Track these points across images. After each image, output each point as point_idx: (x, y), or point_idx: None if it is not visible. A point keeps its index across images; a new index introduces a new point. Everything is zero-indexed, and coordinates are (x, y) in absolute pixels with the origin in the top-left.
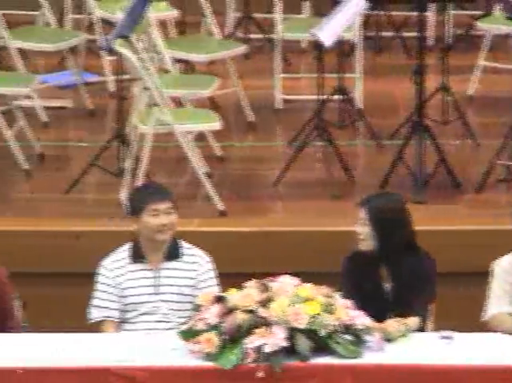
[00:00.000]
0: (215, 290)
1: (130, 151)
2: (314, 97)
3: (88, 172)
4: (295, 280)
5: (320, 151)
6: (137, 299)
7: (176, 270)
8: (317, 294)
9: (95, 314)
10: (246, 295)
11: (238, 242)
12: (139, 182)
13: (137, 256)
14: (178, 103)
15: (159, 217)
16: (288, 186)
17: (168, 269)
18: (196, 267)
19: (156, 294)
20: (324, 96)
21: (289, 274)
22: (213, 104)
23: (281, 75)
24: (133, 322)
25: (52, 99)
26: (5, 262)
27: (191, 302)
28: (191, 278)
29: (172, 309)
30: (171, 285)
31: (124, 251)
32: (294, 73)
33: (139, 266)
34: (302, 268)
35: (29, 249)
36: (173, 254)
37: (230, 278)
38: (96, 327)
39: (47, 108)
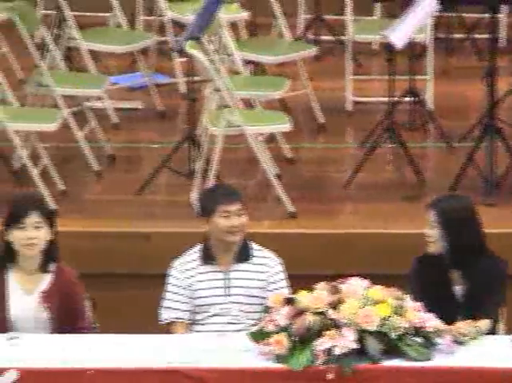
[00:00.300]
0: (285, 292)
1: (200, 152)
2: (385, 99)
3: (158, 173)
4: (365, 282)
5: (390, 152)
6: (208, 301)
7: (246, 271)
8: (387, 296)
9: (166, 315)
10: (316, 297)
11: (307, 243)
12: (210, 183)
13: (208, 258)
14: (248, 104)
15: (230, 219)
16: (358, 188)
17: (238, 271)
18: (266, 269)
19: (227, 295)
20: (395, 98)
21: (359, 276)
22: (283, 105)
23: (352, 77)
24: (203, 324)
25: (123, 100)
26: (76, 262)
27: (261, 304)
28: (261, 280)
29: (242, 311)
30: (242, 287)
31: (195, 253)
32: (365, 75)
33: (209, 267)
34: (372, 270)
35: (99, 250)
36: (243, 255)
37: (300, 279)
38: (166, 328)
39: (118, 110)
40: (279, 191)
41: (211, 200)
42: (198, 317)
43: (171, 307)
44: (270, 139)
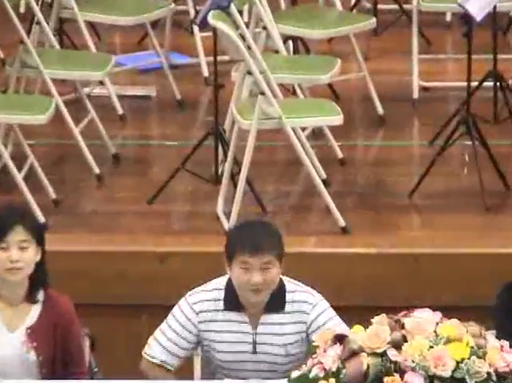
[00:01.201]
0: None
1: (228, 151)
2: (461, 84)
3: (176, 178)
4: (436, 315)
5: (468, 152)
6: (229, 357)
7: (279, 325)
8: (464, 332)
9: (157, 354)
10: (375, 334)
11: (363, 266)
12: (240, 191)
13: (233, 302)
14: (289, 91)
15: (251, 272)
16: (427, 196)
17: (268, 324)
18: (302, 318)
19: (254, 353)
20: (474, 83)
21: (428, 307)
22: (332, 92)
23: (420, 56)
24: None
25: (130, 86)
26: (71, 290)
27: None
28: (298, 333)
29: (274, 371)
30: (272, 344)
31: (218, 291)
32: (436, 54)
33: (234, 315)
34: (445, 300)
35: (100, 274)
36: (276, 303)
37: (354, 311)
38: (146, 365)
39: (124, 98)
40: (328, 201)
41: (231, 243)
42: (212, 369)
43: (167, 349)
44: (316, 135)
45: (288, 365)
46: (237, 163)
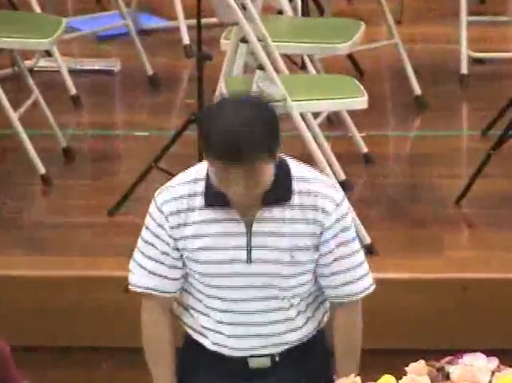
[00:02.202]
0: (354, 261)
1: None
2: None
3: (146, 180)
4: (492, 361)
5: None
6: (217, 269)
7: (281, 222)
8: None
9: (137, 280)
10: None
11: (395, 296)
12: None
13: (217, 197)
14: (296, 64)
15: (230, 182)
16: (480, 204)
17: (268, 220)
18: (317, 217)
19: (248, 262)
20: None
21: (480, 351)
22: (354, 67)
23: (470, 18)
24: (209, 296)
25: (87, 58)
26: (9, 329)
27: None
28: (309, 235)
29: (273, 287)
30: (271, 247)
31: (194, 184)
32: (492, 16)
33: (220, 213)
34: (503, 342)
35: (48, 307)
36: (279, 194)
37: (381, 356)
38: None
39: (79, 74)
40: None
41: (203, 136)
42: (200, 287)
43: (148, 269)
44: (334, 123)
45: (294, 279)
46: None
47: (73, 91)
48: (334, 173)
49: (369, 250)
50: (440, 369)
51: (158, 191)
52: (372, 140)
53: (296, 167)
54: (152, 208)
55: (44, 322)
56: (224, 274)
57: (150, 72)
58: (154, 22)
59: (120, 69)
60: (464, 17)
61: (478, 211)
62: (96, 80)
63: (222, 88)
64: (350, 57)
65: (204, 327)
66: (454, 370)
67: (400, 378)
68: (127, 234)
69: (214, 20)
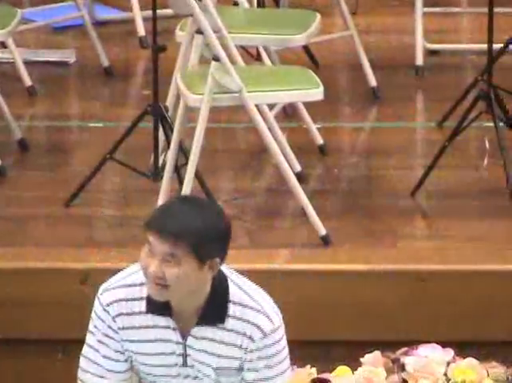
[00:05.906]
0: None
1: (172, 136)
2: (481, 47)
3: (102, 172)
4: (447, 353)
5: (489, 136)
6: (155, 371)
7: (213, 341)
8: (484, 376)
9: (92, 369)
10: (366, 378)
11: (350, 288)
12: (188, 188)
13: (158, 306)
14: (252, 56)
15: (152, 258)
16: (436, 195)
17: (201, 338)
18: (243, 342)
19: (182, 366)
20: (498, 46)
21: (436, 342)
22: (310, 58)
23: (426, 9)
24: None
25: (42, 49)
26: None
27: None
28: (235, 358)
29: None
30: (204, 363)
31: (138, 288)
32: (447, 7)
33: (161, 320)
34: (459, 333)
35: (3, 299)
36: (212, 315)
37: (337, 347)
38: None
39: (33, 65)
40: (303, 202)
41: (148, 218)
42: (142, 375)
43: (102, 365)
44: (289, 114)
45: None
46: (183, 151)
47: (28, 82)
48: (289, 164)
49: (324, 241)
50: (396, 361)
51: (101, 290)
52: (327, 132)
53: (235, 290)
54: (97, 306)
55: None
56: (162, 375)
57: (105, 63)
58: (109, 13)
59: (75, 60)
60: (420, 9)
61: (433, 202)
62: (52, 72)
63: (177, 80)
64: (306, 48)
65: None
66: (409, 361)
67: (356, 369)
68: (82, 226)
69: (169, 11)
